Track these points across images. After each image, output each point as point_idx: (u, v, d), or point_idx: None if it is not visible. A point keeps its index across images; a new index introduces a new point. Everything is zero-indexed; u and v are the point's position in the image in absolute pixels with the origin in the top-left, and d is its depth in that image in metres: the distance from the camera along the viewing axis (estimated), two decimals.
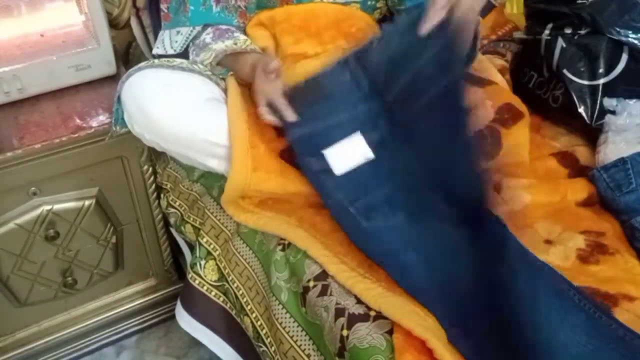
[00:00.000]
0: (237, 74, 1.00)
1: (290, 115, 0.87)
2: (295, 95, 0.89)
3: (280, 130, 0.93)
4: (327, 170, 0.83)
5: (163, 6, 1.06)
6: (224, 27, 1.03)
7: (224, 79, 1.01)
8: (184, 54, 1.03)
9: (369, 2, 1.09)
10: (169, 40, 1.05)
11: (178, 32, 1.04)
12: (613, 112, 1.03)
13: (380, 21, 1.15)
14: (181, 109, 0.90)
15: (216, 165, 0.94)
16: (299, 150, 0.87)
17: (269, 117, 0.89)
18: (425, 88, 0.83)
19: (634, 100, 1.02)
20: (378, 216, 0.77)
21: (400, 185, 0.81)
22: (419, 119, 0.85)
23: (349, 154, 0.83)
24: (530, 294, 0.68)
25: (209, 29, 1.02)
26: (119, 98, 0.96)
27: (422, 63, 0.83)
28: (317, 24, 1.04)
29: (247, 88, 1.00)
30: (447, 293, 0.71)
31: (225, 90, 0.99)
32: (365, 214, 0.78)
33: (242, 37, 1.01)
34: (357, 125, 0.86)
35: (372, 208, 0.79)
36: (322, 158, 0.83)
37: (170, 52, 1.04)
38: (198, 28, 1.02)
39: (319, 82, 0.90)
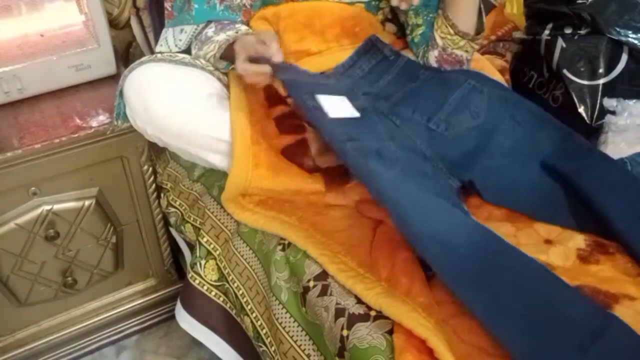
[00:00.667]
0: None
1: (278, 56, 0.87)
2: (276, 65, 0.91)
3: (282, 128, 0.93)
4: (321, 109, 0.84)
5: (167, 4, 1.06)
6: (226, 22, 1.03)
7: (226, 75, 1.01)
8: (187, 52, 1.04)
9: (373, 3, 1.09)
10: (172, 39, 1.05)
11: (182, 31, 1.04)
12: (613, 112, 1.03)
13: (383, 23, 1.15)
14: (183, 104, 0.90)
15: (218, 160, 0.94)
16: (292, 89, 0.87)
17: (252, 68, 0.88)
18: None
19: (634, 101, 1.02)
20: (373, 161, 0.78)
21: (386, 145, 0.83)
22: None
23: (338, 106, 0.86)
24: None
25: (212, 24, 1.03)
26: (121, 92, 0.96)
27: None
28: (321, 22, 1.05)
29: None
30: (441, 241, 0.71)
31: (227, 86, 0.99)
32: (363, 153, 0.79)
33: (244, 27, 1.01)
34: (341, 93, 0.90)
35: (367, 153, 0.80)
36: (315, 99, 0.85)
37: (175, 50, 1.04)
38: (202, 25, 1.03)
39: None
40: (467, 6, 0.97)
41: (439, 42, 1.01)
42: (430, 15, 1.04)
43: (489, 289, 0.67)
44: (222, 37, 0.99)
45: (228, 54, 1.00)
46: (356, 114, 0.86)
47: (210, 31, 1.02)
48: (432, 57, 1.03)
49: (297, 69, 0.93)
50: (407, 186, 0.76)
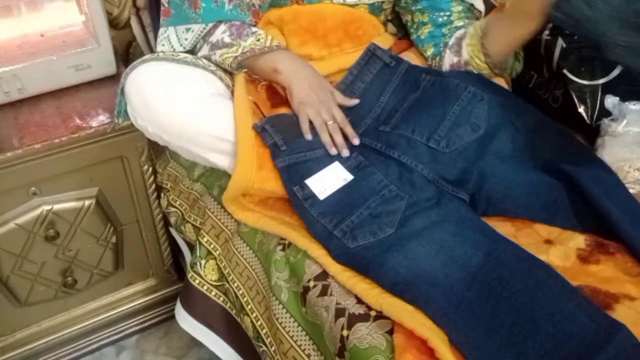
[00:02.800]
0: (256, 69, 1.00)
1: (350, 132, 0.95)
2: (282, 124, 0.93)
3: None
4: (312, 196, 0.85)
5: (164, 0, 1.03)
6: (237, 22, 1.00)
7: (228, 75, 1.00)
8: (189, 52, 1.02)
9: (376, 4, 1.09)
10: (176, 38, 1.02)
11: (188, 30, 1.00)
12: (611, 114, 1.03)
13: (385, 24, 1.15)
14: (185, 103, 0.90)
15: (219, 160, 0.94)
16: (285, 179, 0.88)
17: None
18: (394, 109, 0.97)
19: (634, 104, 1.02)
20: (365, 233, 0.79)
21: (384, 199, 0.83)
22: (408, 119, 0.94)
23: (329, 179, 0.87)
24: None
25: (223, 27, 1.00)
26: (122, 90, 0.96)
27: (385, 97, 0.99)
28: (324, 26, 1.04)
29: (255, 85, 1.00)
30: (434, 291, 0.70)
31: (228, 86, 0.99)
32: (351, 235, 0.79)
33: (262, 32, 1.00)
34: (333, 159, 0.90)
35: (359, 226, 0.80)
36: (306, 186, 0.86)
37: (180, 49, 1.01)
38: (211, 25, 1.00)
39: (296, 120, 0.95)
40: (503, 42, 0.97)
41: (465, 56, 1.01)
42: (436, 14, 1.05)
43: (486, 317, 0.67)
44: (248, 42, 0.97)
45: (250, 63, 0.99)
46: (350, 178, 0.87)
47: (226, 36, 0.99)
48: (448, 62, 1.03)
49: (295, 139, 0.92)
50: (395, 245, 0.76)
